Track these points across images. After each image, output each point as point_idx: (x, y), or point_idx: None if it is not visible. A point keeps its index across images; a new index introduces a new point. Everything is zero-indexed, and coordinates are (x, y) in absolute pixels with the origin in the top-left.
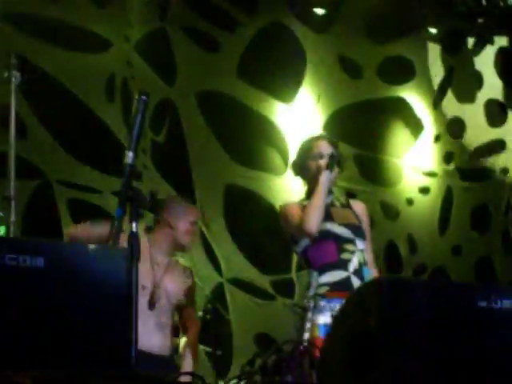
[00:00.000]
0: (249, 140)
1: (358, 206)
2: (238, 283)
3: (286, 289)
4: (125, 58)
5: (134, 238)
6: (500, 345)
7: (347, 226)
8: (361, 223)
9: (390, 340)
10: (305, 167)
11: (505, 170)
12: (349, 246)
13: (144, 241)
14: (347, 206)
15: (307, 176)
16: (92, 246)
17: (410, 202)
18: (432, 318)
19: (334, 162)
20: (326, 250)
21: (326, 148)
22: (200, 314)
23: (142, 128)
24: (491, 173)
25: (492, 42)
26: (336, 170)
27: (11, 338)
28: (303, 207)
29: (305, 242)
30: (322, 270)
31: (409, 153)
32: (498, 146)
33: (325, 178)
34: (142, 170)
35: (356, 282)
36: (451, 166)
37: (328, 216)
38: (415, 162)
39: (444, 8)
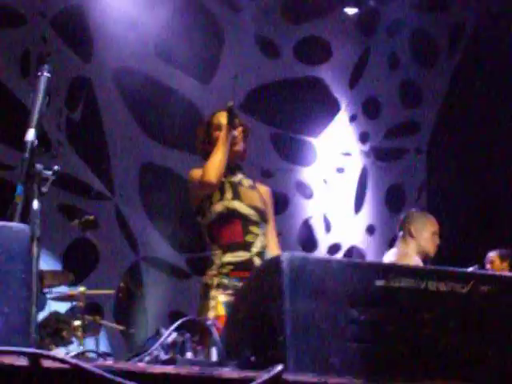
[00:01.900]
0: (166, 118)
1: (264, 190)
2: (154, 262)
3: (201, 267)
4: (40, 33)
5: (34, 215)
6: (398, 323)
7: (254, 208)
8: (265, 207)
9: (289, 318)
10: (208, 141)
11: (418, 150)
12: (254, 229)
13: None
14: (254, 187)
15: (211, 148)
16: None
17: (325, 181)
18: (331, 296)
19: (233, 115)
20: (232, 229)
21: (224, 118)
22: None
23: (43, 104)
24: (405, 153)
25: (407, 24)
26: (240, 133)
27: None
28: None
29: (212, 216)
30: (226, 249)
31: (325, 133)
32: (412, 126)
33: (225, 132)
34: (58, 147)
35: (258, 263)
36: (366, 147)
37: (236, 195)
38: (331, 142)
39: None
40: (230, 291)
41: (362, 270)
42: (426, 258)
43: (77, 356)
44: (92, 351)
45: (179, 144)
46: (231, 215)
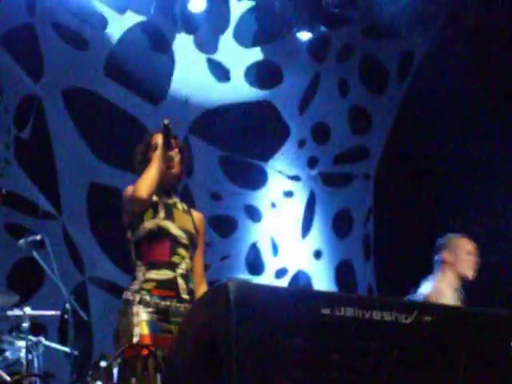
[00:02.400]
0: (115, 139)
1: (197, 216)
2: (100, 282)
3: None
4: None
5: None
6: (342, 351)
7: (185, 231)
8: (196, 233)
9: (235, 345)
10: (145, 161)
11: (367, 176)
12: (182, 251)
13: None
14: (188, 212)
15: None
16: None
17: (273, 205)
18: (277, 323)
19: (169, 135)
20: (160, 247)
21: (161, 138)
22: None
23: None
24: (354, 178)
25: (357, 50)
26: (177, 155)
27: None
28: None
29: (142, 232)
30: (151, 266)
31: (274, 157)
32: (360, 152)
33: (160, 151)
34: (5, 166)
35: (182, 284)
36: (315, 171)
37: (169, 215)
38: (280, 166)
39: (312, 15)
40: (151, 309)
41: (308, 298)
42: (465, 281)
43: (19, 379)
44: (35, 374)
45: (128, 165)
46: (161, 234)
